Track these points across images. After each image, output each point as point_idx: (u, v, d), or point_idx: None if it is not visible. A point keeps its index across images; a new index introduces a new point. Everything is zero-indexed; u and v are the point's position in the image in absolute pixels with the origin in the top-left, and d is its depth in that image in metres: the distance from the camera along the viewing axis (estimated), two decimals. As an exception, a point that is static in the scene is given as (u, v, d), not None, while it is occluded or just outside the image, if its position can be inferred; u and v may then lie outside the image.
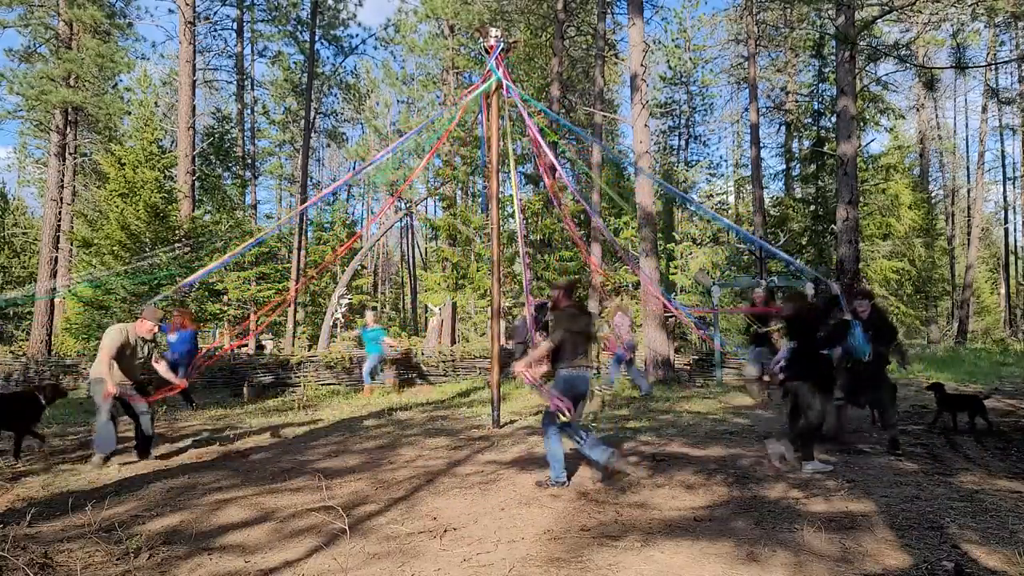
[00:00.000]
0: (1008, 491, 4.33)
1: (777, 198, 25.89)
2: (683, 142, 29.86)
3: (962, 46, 22.96)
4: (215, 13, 23.32)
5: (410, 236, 37.07)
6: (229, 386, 11.70)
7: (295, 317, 21.31)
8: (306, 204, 18.76)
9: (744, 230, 18.78)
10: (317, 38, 22.76)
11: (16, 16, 18.20)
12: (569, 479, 4.71)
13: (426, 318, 31.55)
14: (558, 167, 10.90)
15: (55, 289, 17.23)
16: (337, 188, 34.23)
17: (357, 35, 65.49)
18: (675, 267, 23.28)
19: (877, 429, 6.43)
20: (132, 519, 4.04)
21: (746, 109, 25.03)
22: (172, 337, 9.34)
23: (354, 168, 34.73)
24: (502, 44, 7.08)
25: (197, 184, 20.03)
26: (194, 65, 18.11)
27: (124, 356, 5.76)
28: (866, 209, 22.56)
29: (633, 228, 19.53)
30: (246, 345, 10.24)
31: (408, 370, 12.85)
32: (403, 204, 28.48)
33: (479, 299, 18.57)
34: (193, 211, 17.91)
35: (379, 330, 11.30)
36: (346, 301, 20.96)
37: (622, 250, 16.00)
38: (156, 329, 5.99)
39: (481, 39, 7.18)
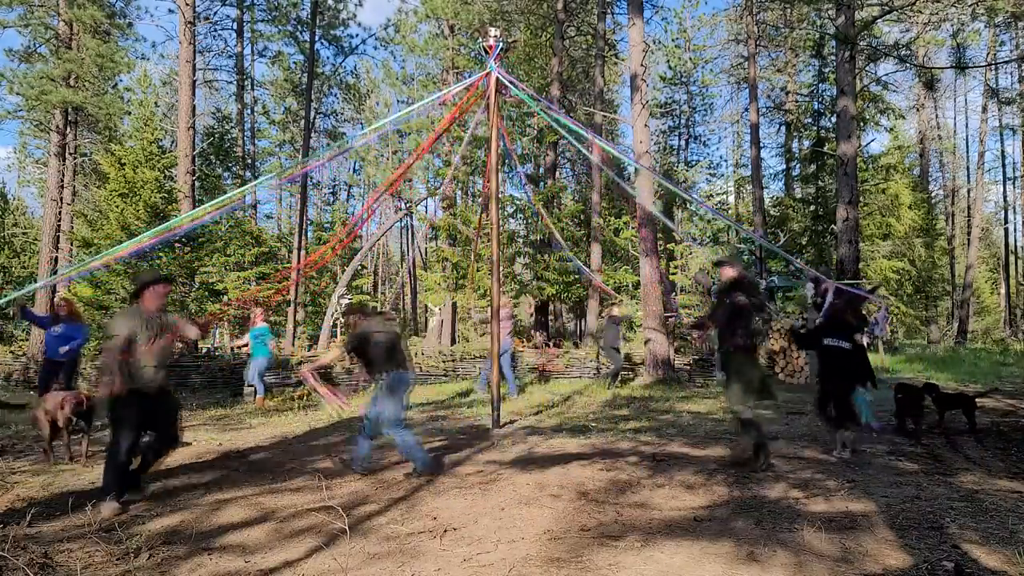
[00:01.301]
0: (1008, 491, 4.33)
1: (777, 198, 25.91)
2: (683, 142, 29.85)
3: (962, 46, 22.99)
4: (215, 13, 23.36)
5: (410, 236, 37.07)
6: (229, 386, 11.71)
7: (295, 317, 21.31)
8: (306, 167, 18.62)
9: (745, 228, 18.75)
10: (317, 38, 22.77)
11: (16, 16, 18.20)
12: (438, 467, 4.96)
13: (426, 318, 31.57)
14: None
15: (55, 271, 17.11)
16: (337, 182, 34.18)
17: (357, 35, 65.56)
18: (675, 267, 23.27)
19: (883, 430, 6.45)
20: (132, 519, 4.04)
21: (746, 109, 25.04)
22: (57, 330, 7.59)
23: (354, 168, 34.74)
24: (502, 44, 7.09)
25: (197, 184, 20.02)
26: (194, 65, 18.10)
27: (138, 349, 4.24)
28: (866, 209, 22.57)
29: (633, 228, 19.53)
30: (246, 345, 10.17)
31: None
32: (404, 204, 28.48)
33: (479, 299, 18.55)
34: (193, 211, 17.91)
35: (265, 329, 10.11)
36: (346, 301, 20.95)
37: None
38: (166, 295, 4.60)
39: (481, 39, 7.18)
